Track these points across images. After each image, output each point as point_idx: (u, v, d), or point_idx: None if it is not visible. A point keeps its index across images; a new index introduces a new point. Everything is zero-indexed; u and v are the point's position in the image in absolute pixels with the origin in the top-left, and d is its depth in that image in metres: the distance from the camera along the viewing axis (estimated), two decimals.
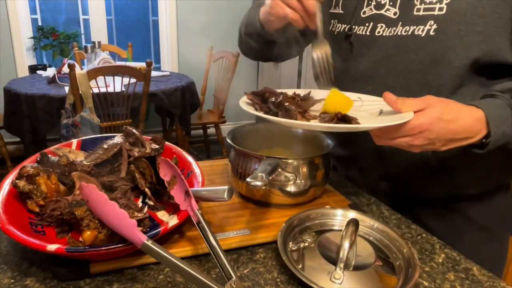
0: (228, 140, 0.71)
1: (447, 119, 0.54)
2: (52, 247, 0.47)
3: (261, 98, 0.65)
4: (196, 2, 3.64)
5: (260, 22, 0.75)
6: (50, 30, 3.23)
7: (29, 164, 0.62)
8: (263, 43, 0.81)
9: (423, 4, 0.64)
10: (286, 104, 0.60)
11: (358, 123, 0.58)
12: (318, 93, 0.70)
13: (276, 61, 0.94)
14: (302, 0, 0.62)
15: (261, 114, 0.61)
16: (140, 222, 0.54)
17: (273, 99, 0.62)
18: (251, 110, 0.63)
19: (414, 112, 0.55)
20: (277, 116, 0.61)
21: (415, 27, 0.65)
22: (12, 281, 0.51)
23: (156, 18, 3.74)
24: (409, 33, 0.66)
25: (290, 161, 0.65)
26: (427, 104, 0.55)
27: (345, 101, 0.64)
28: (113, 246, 0.48)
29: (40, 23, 3.37)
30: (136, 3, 3.74)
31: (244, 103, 0.66)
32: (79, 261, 0.52)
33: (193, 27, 3.71)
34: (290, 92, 0.69)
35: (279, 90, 0.68)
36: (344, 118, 0.58)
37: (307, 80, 3.34)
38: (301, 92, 0.70)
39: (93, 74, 2.16)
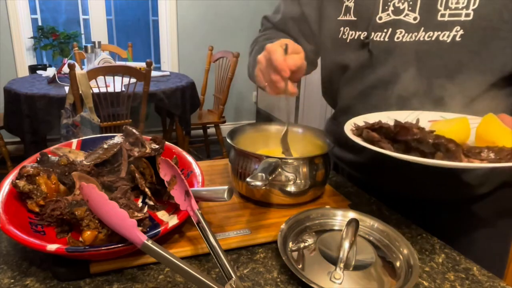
0: (228, 140, 0.71)
1: None
2: (52, 247, 0.47)
3: (379, 132, 0.57)
4: (196, 2, 3.64)
5: None
6: (50, 30, 3.23)
7: (29, 164, 0.62)
8: None
9: (448, 10, 0.63)
10: (445, 143, 0.52)
11: None
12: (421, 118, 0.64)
13: None
14: (280, 73, 0.63)
15: (407, 157, 0.51)
16: (140, 222, 0.54)
17: (419, 136, 0.53)
18: (374, 148, 0.54)
19: None
20: (425, 155, 0.53)
21: (439, 32, 0.64)
22: (12, 281, 0.51)
23: (156, 18, 3.74)
24: (433, 38, 0.65)
25: (290, 161, 0.65)
26: None
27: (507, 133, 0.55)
28: (113, 246, 0.48)
29: (40, 23, 3.37)
30: (136, 3, 3.74)
31: (358, 138, 0.58)
32: (79, 261, 0.52)
33: (193, 27, 3.71)
34: (381, 118, 0.61)
35: (365, 117, 0.61)
36: None
37: (307, 80, 3.34)
38: (384, 117, 0.62)
39: (93, 74, 2.16)
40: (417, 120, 0.61)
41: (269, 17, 0.94)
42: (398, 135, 0.56)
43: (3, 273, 0.52)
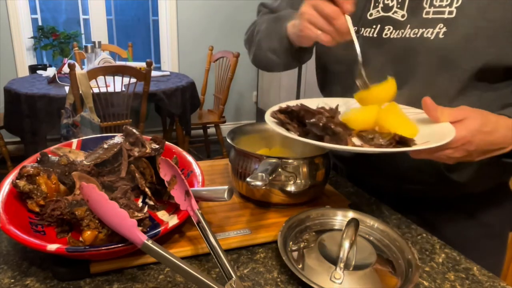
0: (228, 140, 0.71)
1: (486, 131, 0.54)
2: (52, 247, 0.47)
3: (290, 116, 0.58)
4: (196, 2, 3.64)
5: (289, 39, 0.73)
6: (50, 30, 3.23)
7: (29, 164, 0.62)
8: (290, 58, 0.79)
9: (432, 7, 0.64)
10: (333, 126, 0.53)
11: (415, 144, 0.53)
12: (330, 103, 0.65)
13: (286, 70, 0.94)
14: (332, 22, 0.60)
15: (299, 138, 0.54)
16: (140, 222, 0.54)
17: (313, 120, 0.55)
18: (282, 131, 0.56)
19: (451, 122, 0.54)
20: (319, 139, 0.54)
21: (424, 29, 0.65)
22: (12, 281, 0.51)
23: (156, 18, 3.74)
24: (418, 35, 0.66)
25: (290, 161, 0.65)
26: (465, 115, 0.55)
27: (408, 124, 0.57)
28: (113, 246, 0.49)
29: (40, 23, 3.37)
30: (136, 3, 3.74)
31: (271, 121, 0.59)
32: (79, 261, 0.52)
33: (193, 27, 3.71)
34: (312, 104, 0.63)
35: (300, 101, 0.62)
36: (402, 140, 0.53)
37: (307, 80, 3.34)
38: (320, 103, 0.64)
39: (93, 74, 2.16)
40: (336, 106, 0.62)
41: (267, 4, 0.93)
42: (304, 119, 0.57)
43: (3, 273, 0.52)
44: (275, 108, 0.64)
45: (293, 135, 0.55)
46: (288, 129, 0.57)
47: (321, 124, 0.54)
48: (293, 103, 0.64)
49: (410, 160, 0.68)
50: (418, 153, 0.56)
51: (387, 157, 0.74)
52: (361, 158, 0.83)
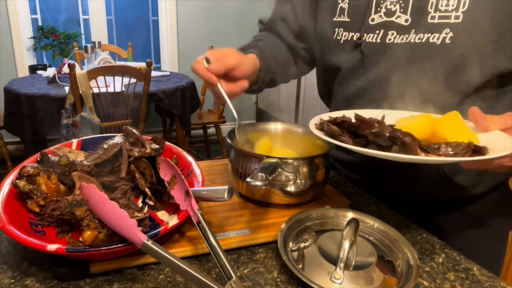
0: (228, 140, 0.71)
1: None
2: (52, 247, 0.47)
3: (340, 127, 0.56)
4: (196, 2, 3.64)
5: None
6: (50, 30, 3.24)
7: (29, 164, 0.62)
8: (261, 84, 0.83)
9: (438, 12, 0.63)
10: (401, 136, 0.51)
11: (488, 152, 0.51)
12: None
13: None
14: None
15: (364, 149, 0.51)
16: (140, 222, 0.54)
17: (377, 130, 0.53)
18: (334, 141, 0.54)
19: (501, 130, 0.54)
20: (382, 149, 0.52)
21: (429, 34, 0.65)
22: (12, 281, 0.51)
23: (156, 18, 3.75)
24: (423, 40, 0.65)
25: (290, 161, 0.65)
26: None
27: (470, 134, 0.55)
28: (113, 246, 0.48)
29: (40, 23, 3.37)
30: (136, 3, 3.74)
31: (320, 132, 0.58)
32: (79, 261, 0.52)
33: (193, 27, 3.71)
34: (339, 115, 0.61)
35: (334, 113, 0.61)
36: (476, 149, 0.50)
37: (307, 81, 3.34)
38: (371, 114, 0.62)
39: (93, 74, 2.16)
40: (382, 117, 0.61)
41: (263, 20, 0.95)
42: (359, 129, 0.56)
43: (3, 273, 0.52)
44: (315, 120, 0.62)
45: (354, 147, 0.52)
46: (342, 141, 0.55)
47: (387, 134, 0.52)
48: (336, 114, 0.63)
49: (414, 165, 0.68)
50: (472, 163, 0.53)
51: (398, 164, 0.73)
52: (358, 162, 0.83)
